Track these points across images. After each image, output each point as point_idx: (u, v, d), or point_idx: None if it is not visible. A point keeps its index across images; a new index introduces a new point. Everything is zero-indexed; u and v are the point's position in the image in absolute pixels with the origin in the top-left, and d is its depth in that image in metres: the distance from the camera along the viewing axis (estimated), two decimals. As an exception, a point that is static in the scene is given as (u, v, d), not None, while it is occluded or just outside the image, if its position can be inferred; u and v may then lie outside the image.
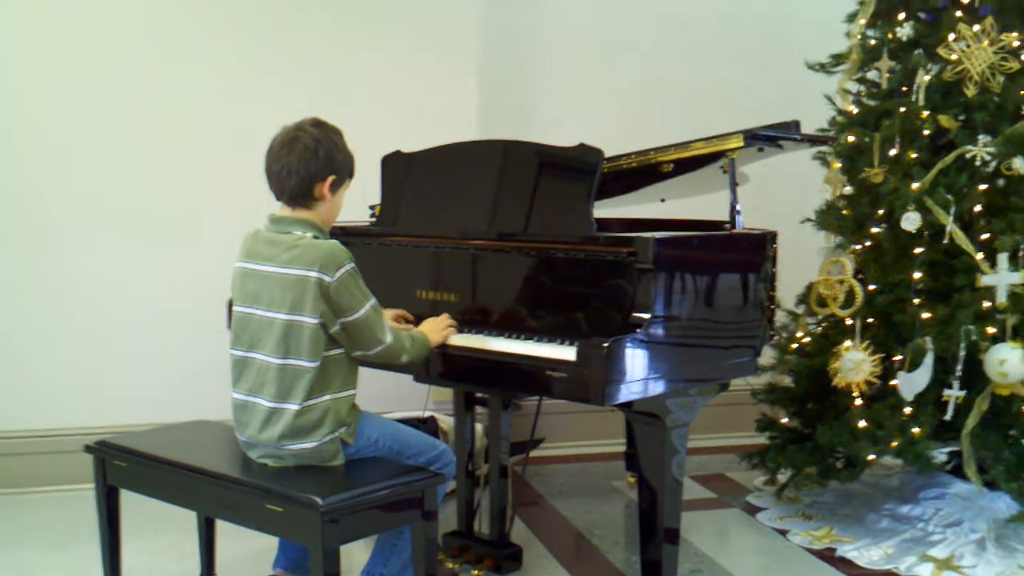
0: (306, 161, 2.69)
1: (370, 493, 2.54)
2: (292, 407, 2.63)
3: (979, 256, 3.56)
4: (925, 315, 3.61)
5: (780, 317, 3.91)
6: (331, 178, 2.73)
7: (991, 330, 3.52)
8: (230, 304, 2.96)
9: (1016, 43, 3.63)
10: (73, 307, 4.35)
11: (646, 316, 2.70)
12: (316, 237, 2.69)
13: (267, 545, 3.23)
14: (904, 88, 3.83)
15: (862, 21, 3.95)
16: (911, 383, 3.58)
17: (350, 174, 2.83)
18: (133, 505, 3.03)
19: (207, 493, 2.71)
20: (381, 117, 4.29)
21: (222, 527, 3.11)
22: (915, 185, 3.62)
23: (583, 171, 2.95)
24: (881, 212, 3.78)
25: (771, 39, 5.12)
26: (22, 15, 4.22)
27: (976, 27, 3.65)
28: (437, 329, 2.95)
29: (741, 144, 3.06)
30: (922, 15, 3.83)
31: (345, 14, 4.59)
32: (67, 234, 4.34)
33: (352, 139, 2.84)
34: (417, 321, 3.07)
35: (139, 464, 2.83)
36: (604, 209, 3.58)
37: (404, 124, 4.10)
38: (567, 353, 2.69)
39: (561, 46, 5.00)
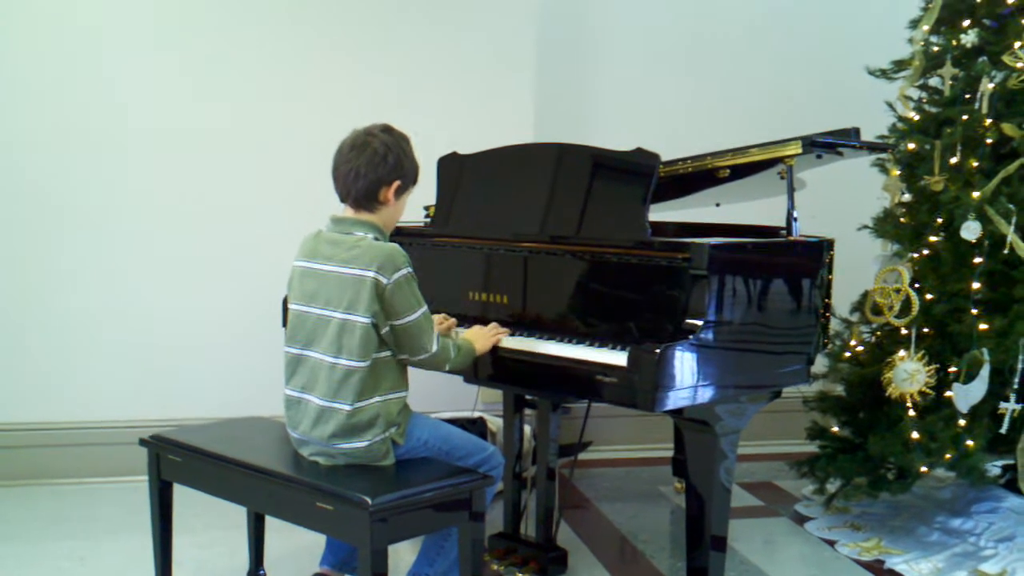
0: (375, 165, 2.72)
1: (419, 494, 2.55)
2: (343, 407, 2.65)
3: (1040, 267, 3.50)
4: (983, 326, 3.56)
5: (834, 325, 3.86)
6: (397, 183, 2.76)
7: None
8: (285, 302, 2.99)
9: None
10: (129, 303, 4.40)
11: (699, 322, 2.68)
12: (376, 239, 2.72)
13: (315, 542, 3.27)
14: (967, 95, 3.76)
15: (925, 27, 3.89)
16: (966, 395, 3.54)
17: (414, 181, 2.86)
18: (185, 499, 3.06)
19: (258, 489, 2.73)
20: (438, 123, 4.28)
21: (271, 523, 3.14)
22: (976, 194, 3.57)
23: (639, 175, 2.93)
24: (940, 220, 3.73)
25: (831, 44, 5.09)
26: (83, 15, 4.28)
27: (1042, 34, 3.58)
28: (485, 336, 2.96)
29: (800, 151, 3.03)
30: (987, 22, 3.76)
31: (401, 22, 4.59)
32: (125, 233, 4.38)
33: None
34: (466, 323, 3.07)
35: (192, 459, 2.86)
36: (657, 213, 3.56)
37: (461, 130, 4.09)
38: (618, 358, 2.68)
39: (617, 51, 4.98)
